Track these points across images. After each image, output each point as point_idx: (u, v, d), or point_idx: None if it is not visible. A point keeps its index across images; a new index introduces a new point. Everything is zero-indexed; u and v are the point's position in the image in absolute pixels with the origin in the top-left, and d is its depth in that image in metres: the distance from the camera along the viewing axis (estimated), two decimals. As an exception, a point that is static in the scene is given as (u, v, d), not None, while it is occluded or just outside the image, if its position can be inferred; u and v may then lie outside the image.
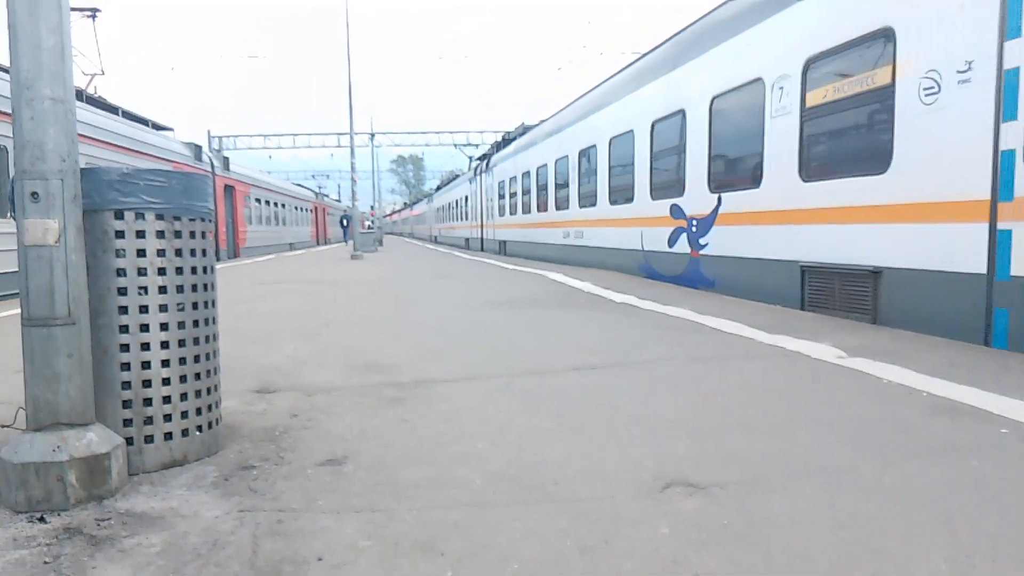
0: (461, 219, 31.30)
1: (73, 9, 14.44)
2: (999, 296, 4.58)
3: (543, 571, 1.73)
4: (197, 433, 2.60)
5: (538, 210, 16.77)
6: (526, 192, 18.02)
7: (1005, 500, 2.11)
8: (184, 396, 2.56)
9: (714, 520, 2.00)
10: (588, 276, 10.83)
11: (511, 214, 20.17)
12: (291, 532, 1.98)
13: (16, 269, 2.32)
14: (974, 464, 2.42)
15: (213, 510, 2.14)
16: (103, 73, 16.53)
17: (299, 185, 44.76)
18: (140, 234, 2.46)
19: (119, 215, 2.43)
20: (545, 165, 15.94)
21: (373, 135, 45.20)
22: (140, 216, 2.46)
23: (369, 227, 33.88)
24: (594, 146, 12.42)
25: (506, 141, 22.92)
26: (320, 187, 61.73)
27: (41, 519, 2.09)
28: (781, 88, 6.90)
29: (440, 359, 4.49)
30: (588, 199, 12.88)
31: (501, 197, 21.63)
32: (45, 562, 1.83)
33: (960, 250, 4.90)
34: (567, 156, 14.16)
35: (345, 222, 31.59)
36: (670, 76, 9.24)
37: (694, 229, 8.79)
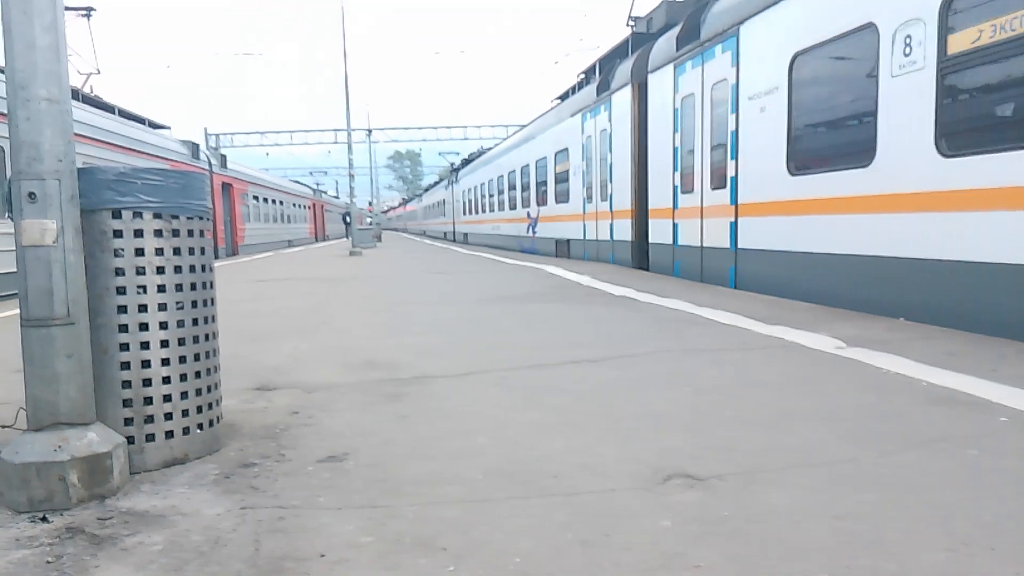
0: (441, 217, 39.97)
1: (67, 8, 14.37)
2: (588, 247, 13.54)
3: (544, 565, 1.74)
4: (198, 431, 2.60)
5: (481, 212, 25.66)
6: (476, 199, 26.83)
7: (1004, 490, 2.12)
8: (184, 395, 2.56)
9: (714, 513, 2.01)
10: (586, 270, 10.84)
11: (468, 214, 29.10)
12: (292, 529, 1.99)
13: (15, 269, 2.32)
14: (973, 453, 2.43)
15: (214, 508, 2.15)
16: (99, 72, 16.49)
17: (296, 182, 44.69)
18: (138, 233, 2.46)
19: (117, 214, 2.42)
20: (484, 183, 24.89)
21: (370, 131, 45.11)
22: (138, 215, 2.45)
23: (369, 223, 34.29)
24: (503, 175, 21.47)
25: (467, 161, 31.10)
26: (317, 184, 61.59)
27: (43, 519, 2.10)
28: (552, 162, 15.75)
29: (438, 355, 4.50)
30: (501, 206, 21.95)
31: (463, 202, 30.37)
32: (48, 562, 1.84)
33: (580, 231, 13.90)
34: (492, 179, 23.20)
35: (348, 219, 32.76)
36: (526, 145, 18.39)
37: (533, 224, 17.85)
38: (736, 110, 7.83)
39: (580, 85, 14.83)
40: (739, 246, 7.84)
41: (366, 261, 16.74)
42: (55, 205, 2.21)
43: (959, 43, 4.84)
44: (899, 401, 3.10)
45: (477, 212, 26.37)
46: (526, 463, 2.47)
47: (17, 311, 2.33)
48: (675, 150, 9.43)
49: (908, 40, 5.33)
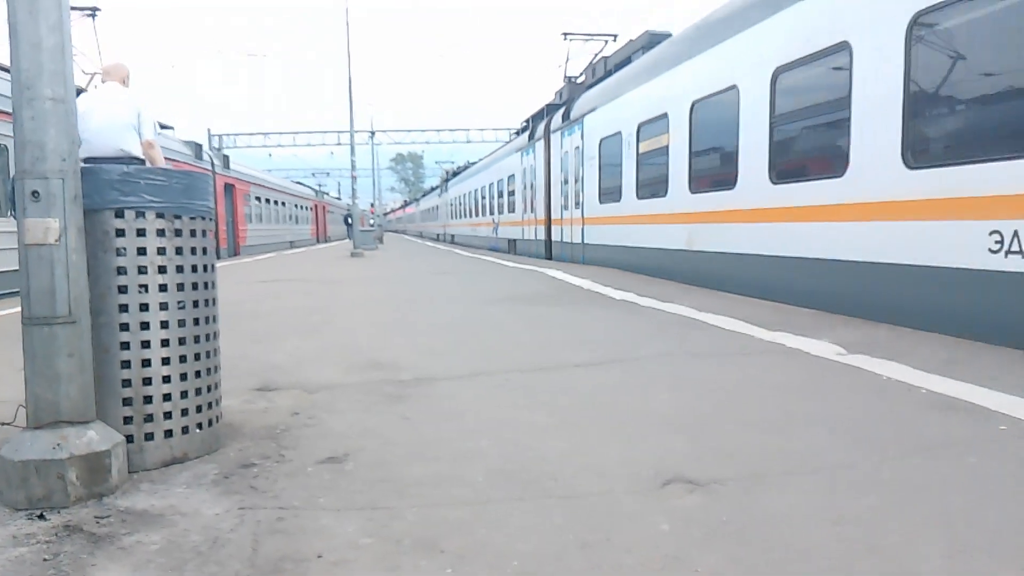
0: (435, 220, 46.80)
1: (73, 8, 14.39)
2: (524, 245, 19.15)
3: (543, 567, 1.74)
4: (197, 431, 2.61)
5: (464, 217, 31.74)
6: (460, 207, 33.25)
7: (1003, 496, 2.12)
8: (184, 394, 2.56)
9: (714, 516, 2.01)
10: (588, 273, 10.84)
11: (454, 219, 35.60)
12: (292, 530, 1.99)
13: (17, 268, 2.32)
14: (972, 460, 2.43)
15: (213, 508, 2.15)
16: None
17: (299, 183, 44.75)
18: (140, 233, 2.46)
19: (119, 214, 2.43)
20: (465, 194, 31.32)
21: (373, 133, 45.15)
22: (140, 215, 2.46)
23: (371, 225, 34.77)
24: (478, 189, 27.33)
25: (455, 173, 38.11)
26: (320, 185, 61.70)
27: (41, 517, 2.10)
28: (506, 183, 21.35)
29: (440, 356, 4.50)
30: (477, 213, 27.81)
31: (450, 209, 37.21)
32: (45, 559, 1.84)
33: (520, 233, 19.44)
34: (471, 192, 29.38)
35: (350, 220, 33.77)
36: (491, 168, 24.33)
37: (496, 228, 23.23)
38: (582, 165, 13.63)
39: (522, 130, 21.54)
40: (585, 241, 13.71)
41: (368, 263, 16.75)
42: (58, 204, 2.22)
43: (642, 148, 10.53)
44: (899, 408, 3.09)
45: (461, 217, 33.18)
46: (527, 465, 2.47)
47: (19, 309, 2.33)
48: (561, 183, 15.37)
49: (631, 140, 10.90)
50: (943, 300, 4.92)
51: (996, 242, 4.48)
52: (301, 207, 38.80)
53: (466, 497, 2.20)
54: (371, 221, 40.24)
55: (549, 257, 16.27)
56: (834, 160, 6.07)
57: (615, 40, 16.41)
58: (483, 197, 26.06)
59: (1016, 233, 4.34)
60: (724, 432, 2.80)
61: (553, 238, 16.13)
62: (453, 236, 35.47)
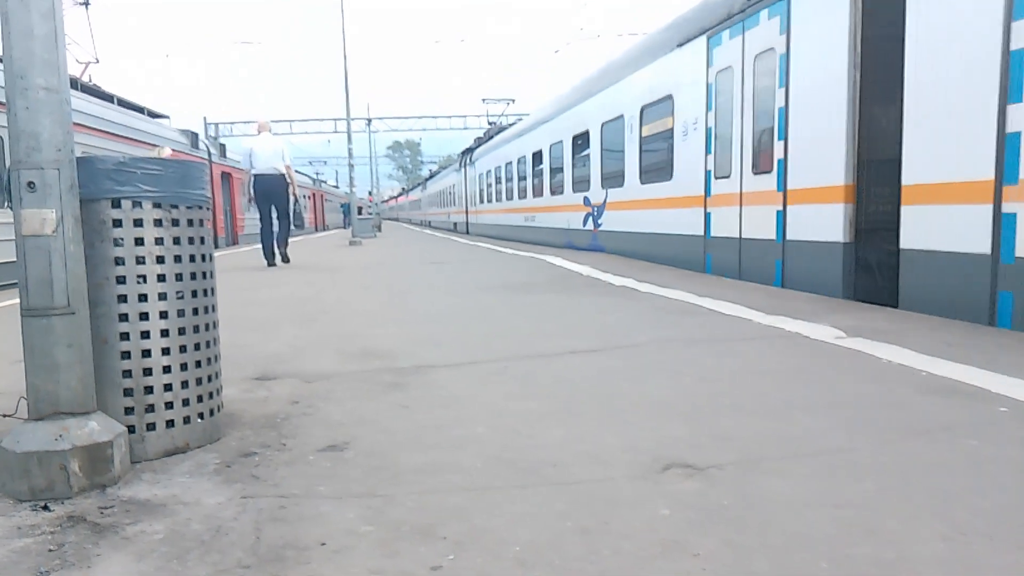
0: (419, 210, 61.00)
1: (65, -4, 14.23)
2: (458, 226, 35.29)
3: (543, 553, 1.75)
4: (198, 420, 2.61)
5: (435, 207, 44.25)
6: (436, 198, 44.38)
7: (1002, 479, 2.13)
8: (185, 384, 2.56)
9: (712, 501, 2.02)
10: (587, 260, 10.84)
11: (430, 209, 47.90)
12: (293, 518, 2.00)
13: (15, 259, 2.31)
14: (972, 443, 2.44)
15: (215, 497, 2.16)
16: (98, 61, 16.41)
17: (296, 171, 44.65)
18: (137, 223, 2.45)
19: (116, 204, 2.42)
20: (435, 192, 44.52)
21: (370, 120, 44.98)
22: (137, 205, 2.45)
23: (369, 213, 36.03)
24: (443, 189, 40.51)
25: (433, 174, 51.26)
26: (317, 173, 61.56)
27: (44, 508, 2.11)
28: (453, 188, 35.07)
29: (438, 345, 4.50)
30: (441, 205, 41.08)
31: (428, 201, 50.39)
32: (50, 550, 1.85)
33: (459, 219, 33.77)
34: (443, 190, 40.31)
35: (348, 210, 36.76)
36: (448, 176, 38.71)
37: (449, 215, 37.09)
38: (477, 184, 26.81)
39: (460, 156, 32.25)
40: (479, 222, 26.91)
41: (366, 251, 16.73)
42: (54, 195, 2.21)
43: (488, 181, 24.76)
44: (899, 391, 3.10)
45: (433, 207, 46.11)
46: (525, 452, 2.47)
47: (17, 301, 2.33)
48: (471, 192, 28.41)
49: (485, 176, 25.03)
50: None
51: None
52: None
53: (465, 484, 2.21)
54: (370, 210, 40.77)
55: (467, 232, 28.86)
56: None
57: (513, 102, 32.89)
58: (444, 195, 39.07)
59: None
60: (723, 417, 2.80)
61: (468, 221, 29.33)
62: (430, 222, 48.83)
